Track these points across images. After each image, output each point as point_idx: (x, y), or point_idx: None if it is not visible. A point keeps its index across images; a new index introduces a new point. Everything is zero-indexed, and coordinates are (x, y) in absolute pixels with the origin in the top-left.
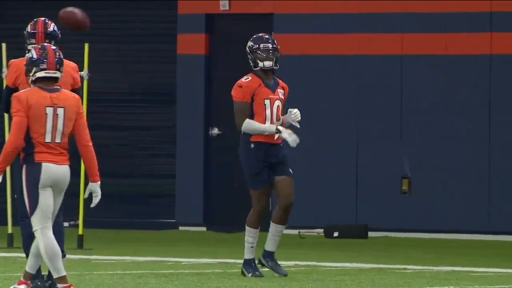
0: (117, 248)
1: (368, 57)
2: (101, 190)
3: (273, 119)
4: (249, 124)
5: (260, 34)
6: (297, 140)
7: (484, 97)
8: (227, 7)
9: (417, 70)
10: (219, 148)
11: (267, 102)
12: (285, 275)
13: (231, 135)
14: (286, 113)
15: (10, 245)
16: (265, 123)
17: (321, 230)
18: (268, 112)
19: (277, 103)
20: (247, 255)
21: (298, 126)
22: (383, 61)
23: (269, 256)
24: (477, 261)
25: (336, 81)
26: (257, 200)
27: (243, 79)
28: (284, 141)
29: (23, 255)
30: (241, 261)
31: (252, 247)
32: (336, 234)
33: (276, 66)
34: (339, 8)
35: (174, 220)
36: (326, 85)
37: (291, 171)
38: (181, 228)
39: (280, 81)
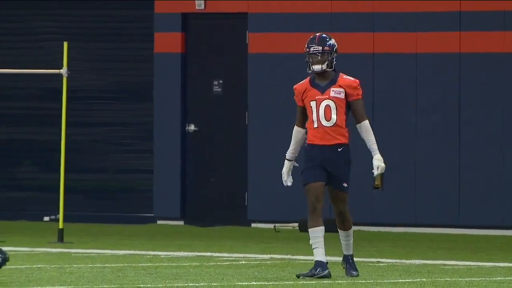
0: (96, 242)
1: (340, 56)
2: (82, 186)
3: (320, 120)
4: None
5: (313, 36)
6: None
7: (454, 94)
8: (202, 7)
9: (388, 67)
10: (195, 144)
11: (312, 104)
12: (355, 276)
13: (207, 131)
14: (352, 107)
15: None
16: (312, 125)
17: (296, 224)
18: (314, 114)
19: (326, 103)
20: (315, 257)
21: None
22: (354, 59)
23: (344, 258)
24: (448, 255)
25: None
26: (307, 197)
27: (298, 83)
28: (342, 146)
29: (5, 248)
30: (218, 254)
31: (315, 248)
32: None
33: (331, 67)
34: (311, 7)
35: (152, 214)
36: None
37: (346, 185)
38: (159, 222)
39: (342, 78)
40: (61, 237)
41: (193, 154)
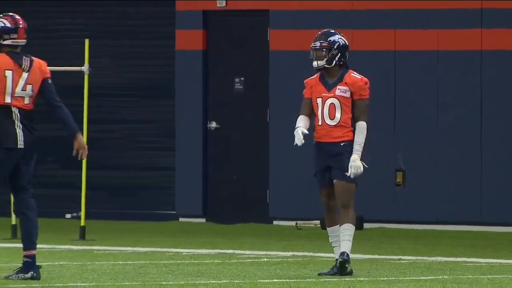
0: (118, 239)
1: (362, 53)
2: (104, 183)
3: (324, 118)
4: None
5: (320, 32)
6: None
7: (475, 91)
8: (223, 4)
9: (410, 65)
10: (217, 141)
11: (319, 100)
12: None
13: (228, 129)
14: (355, 105)
15: (14, 236)
16: (317, 122)
17: (318, 222)
18: (319, 111)
19: (330, 101)
20: (335, 255)
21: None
22: (376, 56)
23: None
24: (470, 252)
25: None
26: (321, 197)
27: (309, 78)
28: (345, 142)
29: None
30: (239, 251)
31: (334, 247)
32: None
33: (330, 64)
34: (333, 4)
35: (174, 212)
36: None
37: (348, 174)
38: (181, 219)
39: (349, 76)
40: (83, 235)
41: (215, 152)
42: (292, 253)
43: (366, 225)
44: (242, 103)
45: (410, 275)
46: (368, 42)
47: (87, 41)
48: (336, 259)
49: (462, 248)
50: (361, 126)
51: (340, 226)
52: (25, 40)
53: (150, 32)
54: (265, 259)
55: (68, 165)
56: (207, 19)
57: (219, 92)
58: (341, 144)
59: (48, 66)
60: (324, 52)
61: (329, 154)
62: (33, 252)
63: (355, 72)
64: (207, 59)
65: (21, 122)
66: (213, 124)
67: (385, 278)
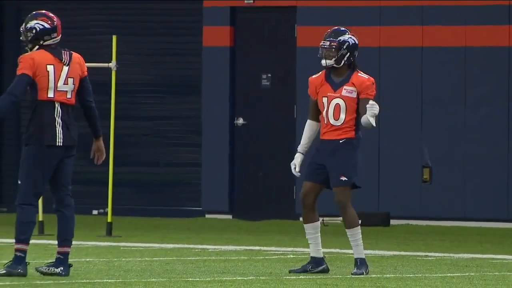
0: (145, 235)
1: (389, 49)
2: (131, 179)
3: (329, 118)
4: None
5: (330, 29)
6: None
7: (503, 88)
8: (251, 0)
9: (437, 61)
10: (244, 138)
11: (324, 100)
12: (360, 274)
13: (255, 125)
14: (360, 104)
15: (41, 233)
16: (324, 122)
17: None
18: (325, 110)
19: (336, 101)
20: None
21: (373, 125)
22: (404, 52)
23: (354, 262)
24: (497, 249)
25: None
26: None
27: (314, 75)
28: (345, 139)
29: (54, 242)
30: (266, 248)
31: (309, 243)
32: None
33: (338, 64)
34: (361, 1)
35: (200, 208)
36: None
37: (345, 179)
38: (207, 215)
39: (356, 76)
40: (109, 231)
41: (242, 148)
42: None
43: (393, 222)
44: (269, 100)
45: (436, 272)
46: (396, 38)
47: (114, 38)
48: (311, 256)
49: (488, 245)
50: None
51: (346, 230)
52: (60, 37)
53: (178, 28)
54: (292, 256)
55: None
56: (235, 15)
57: (246, 88)
58: (340, 141)
59: None
60: (333, 52)
61: (327, 152)
62: (66, 249)
63: (362, 72)
64: (234, 55)
65: (62, 119)
66: (240, 121)
67: (412, 275)
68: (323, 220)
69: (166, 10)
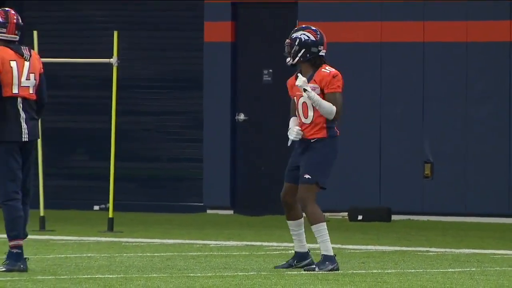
0: (146, 231)
1: (390, 44)
2: (133, 175)
3: (300, 117)
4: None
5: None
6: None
7: (504, 83)
8: None
9: (438, 57)
10: (245, 133)
11: (295, 99)
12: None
13: (256, 121)
14: (327, 100)
15: (42, 228)
16: (299, 122)
17: (345, 214)
18: (297, 110)
19: (303, 100)
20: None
21: (310, 95)
22: (405, 48)
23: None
24: (498, 244)
25: (359, 67)
26: None
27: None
28: (316, 139)
29: (55, 237)
30: (267, 243)
31: (294, 239)
32: (360, 217)
33: (293, 60)
34: None
35: (202, 204)
36: (349, 71)
37: (308, 177)
38: (208, 211)
39: (318, 72)
40: (111, 226)
41: (243, 143)
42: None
43: (394, 217)
44: (270, 95)
45: (438, 267)
46: (397, 34)
47: (116, 33)
48: (295, 251)
49: (490, 240)
50: (332, 106)
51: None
52: (15, 37)
53: (179, 23)
54: (293, 251)
55: (96, 157)
56: (236, 11)
57: (247, 84)
58: (312, 140)
59: (77, 58)
60: (288, 49)
61: (300, 152)
62: (19, 242)
63: (327, 67)
64: (236, 51)
65: (26, 115)
66: (241, 116)
67: (413, 270)
68: (324, 215)
69: (168, 6)
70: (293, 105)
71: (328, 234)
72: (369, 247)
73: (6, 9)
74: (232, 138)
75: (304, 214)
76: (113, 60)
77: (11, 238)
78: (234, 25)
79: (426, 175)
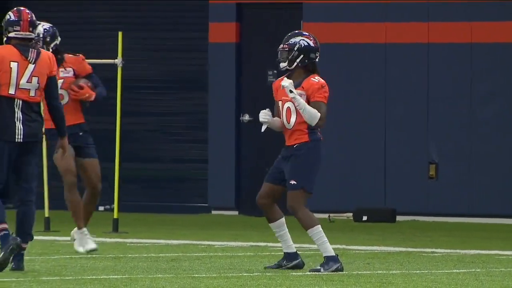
0: (151, 232)
1: (395, 45)
2: (137, 176)
3: (284, 121)
4: None
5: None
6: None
7: (509, 83)
8: None
9: (443, 58)
10: (250, 134)
11: (280, 103)
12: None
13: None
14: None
15: (47, 229)
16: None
17: (350, 214)
18: (281, 114)
19: (287, 105)
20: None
21: (296, 98)
22: (410, 49)
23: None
24: (503, 245)
25: (364, 68)
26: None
27: (279, 78)
28: (299, 143)
29: (60, 238)
30: (273, 244)
31: (279, 241)
32: (365, 218)
33: (290, 66)
34: None
35: (206, 204)
36: (354, 72)
37: (294, 183)
38: (213, 212)
39: (307, 80)
40: (116, 227)
41: (248, 144)
42: None
43: (399, 218)
44: None
45: (442, 268)
46: (402, 35)
47: (120, 34)
48: (284, 252)
49: (495, 241)
50: (316, 112)
51: None
52: (29, 33)
53: (184, 24)
54: (298, 252)
55: (101, 158)
56: (241, 11)
57: (252, 84)
58: (294, 146)
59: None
60: (285, 54)
61: (285, 158)
62: (23, 245)
63: (317, 77)
64: (240, 51)
65: (23, 115)
66: (246, 117)
67: (418, 271)
68: (329, 216)
69: (172, 6)
70: (276, 109)
71: (324, 235)
72: (374, 247)
73: (21, 8)
74: (237, 138)
75: (283, 214)
76: (118, 61)
77: None
78: (238, 26)
79: (431, 176)
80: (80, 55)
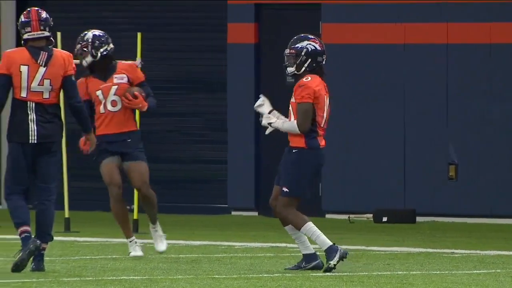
0: (171, 232)
1: (414, 46)
2: (157, 176)
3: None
4: None
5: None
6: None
7: None
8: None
9: (462, 58)
10: (269, 134)
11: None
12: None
13: None
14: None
15: (67, 229)
16: None
17: (370, 215)
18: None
19: (290, 107)
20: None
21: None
22: (429, 49)
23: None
24: None
25: (383, 69)
26: None
27: None
28: (294, 149)
29: (80, 239)
30: (292, 245)
31: (296, 243)
32: (385, 219)
33: (298, 71)
34: None
35: (226, 205)
36: (373, 73)
37: (285, 190)
38: (233, 213)
39: (300, 82)
40: (135, 228)
41: (267, 145)
42: (345, 246)
43: (419, 219)
44: None
45: (462, 269)
46: (420, 35)
47: (139, 35)
48: (303, 254)
49: None
50: (293, 123)
51: None
52: (41, 32)
53: (202, 25)
54: (318, 253)
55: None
56: (259, 12)
57: (270, 85)
58: (294, 151)
59: None
60: (293, 59)
61: (284, 160)
62: (43, 245)
63: (308, 77)
64: (259, 52)
65: (36, 117)
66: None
67: (438, 272)
68: (349, 217)
69: (191, 7)
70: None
71: (317, 229)
72: (394, 248)
73: (31, 8)
74: (256, 139)
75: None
76: (137, 61)
77: (17, 225)
78: (257, 27)
79: (450, 176)
80: (133, 62)
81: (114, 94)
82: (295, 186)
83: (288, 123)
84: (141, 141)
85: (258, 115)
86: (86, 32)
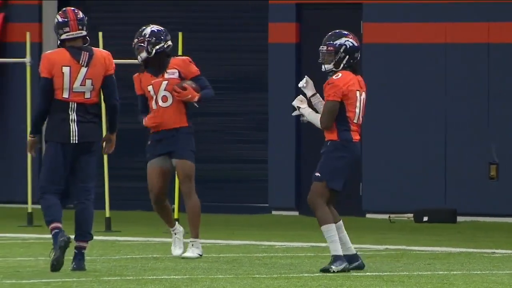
0: (211, 232)
1: (455, 46)
2: (197, 176)
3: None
4: None
5: (330, 33)
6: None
7: None
8: None
9: (503, 57)
10: (310, 134)
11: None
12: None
13: None
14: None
15: (108, 229)
16: None
17: (411, 215)
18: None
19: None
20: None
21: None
22: (469, 49)
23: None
24: None
25: (424, 68)
26: None
27: None
28: (329, 141)
29: (121, 238)
30: None
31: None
32: (425, 218)
33: (337, 68)
34: None
35: (267, 205)
36: (414, 72)
37: (317, 175)
38: (273, 212)
39: (329, 80)
40: None
41: (308, 145)
42: (385, 246)
43: (460, 218)
44: None
45: (504, 269)
46: (462, 34)
47: (180, 34)
48: (344, 255)
49: None
50: (318, 118)
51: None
52: (80, 32)
53: (243, 25)
54: (358, 253)
55: None
56: (300, 12)
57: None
58: (328, 143)
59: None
60: (331, 56)
61: (321, 154)
62: (82, 244)
63: (339, 74)
64: (300, 52)
65: (77, 117)
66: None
67: (479, 272)
68: (389, 217)
69: (232, 7)
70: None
71: (336, 235)
72: (434, 248)
73: (67, 8)
74: (297, 139)
75: (339, 218)
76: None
77: (48, 223)
78: (298, 26)
79: (491, 176)
80: (187, 57)
81: (165, 90)
82: (327, 173)
83: (314, 115)
84: (191, 138)
85: (299, 115)
86: (144, 27)
